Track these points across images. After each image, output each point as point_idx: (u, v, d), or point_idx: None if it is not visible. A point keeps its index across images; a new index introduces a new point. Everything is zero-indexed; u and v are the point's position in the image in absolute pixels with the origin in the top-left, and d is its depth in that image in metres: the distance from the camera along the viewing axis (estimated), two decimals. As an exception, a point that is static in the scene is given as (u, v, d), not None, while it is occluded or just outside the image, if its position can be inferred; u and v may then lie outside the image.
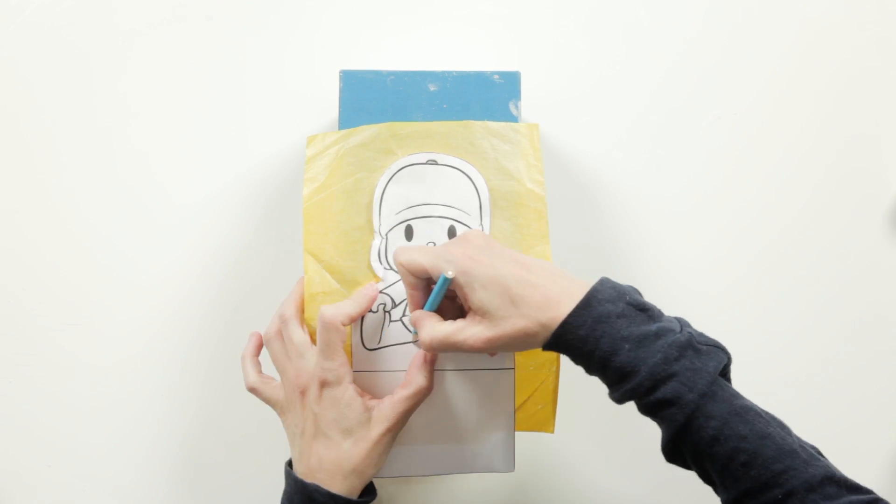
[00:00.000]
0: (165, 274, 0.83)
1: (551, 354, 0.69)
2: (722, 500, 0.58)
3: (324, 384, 0.65)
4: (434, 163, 0.71)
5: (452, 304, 0.66)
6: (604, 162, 0.84)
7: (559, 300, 0.58)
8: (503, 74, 0.73)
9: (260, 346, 0.72)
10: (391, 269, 0.70)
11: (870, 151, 0.85)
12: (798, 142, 0.85)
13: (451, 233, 0.71)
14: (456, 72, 0.73)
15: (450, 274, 0.61)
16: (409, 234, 0.71)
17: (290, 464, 0.69)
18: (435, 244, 0.70)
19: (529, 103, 0.80)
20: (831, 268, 0.85)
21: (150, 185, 0.83)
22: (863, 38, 0.85)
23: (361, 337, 0.69)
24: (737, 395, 0.57)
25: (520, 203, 0.71)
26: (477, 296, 0.60)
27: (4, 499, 0.83)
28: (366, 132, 0.71)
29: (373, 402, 0.67)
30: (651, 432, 0.61)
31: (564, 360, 0.68)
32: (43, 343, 0.83)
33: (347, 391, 0.65)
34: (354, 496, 0.65)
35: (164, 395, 0.83)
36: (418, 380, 0.66)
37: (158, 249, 0.83)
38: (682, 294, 0.84)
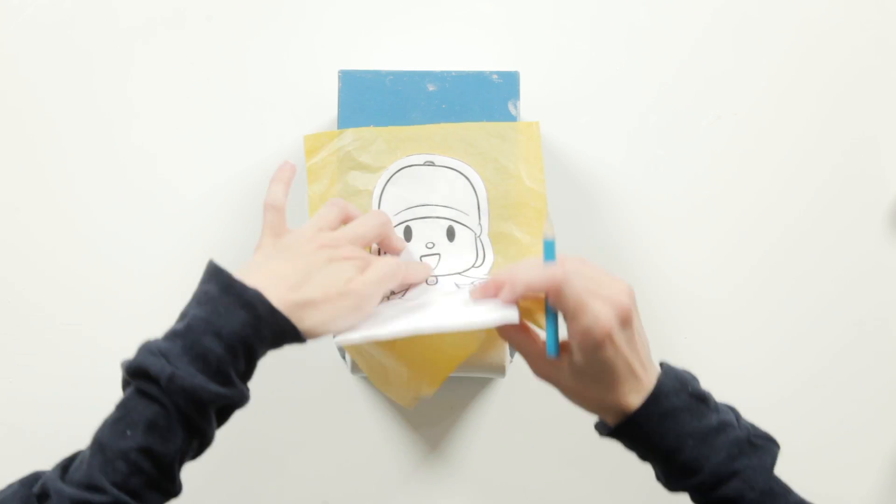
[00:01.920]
0: (166, 273, 0.83)
1: None
2: None
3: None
4: (431, 164, 0.71)
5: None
6: (603, 162, 0.84)
7: (627, 389, 0.57)
8: (502, 74, 0.73)
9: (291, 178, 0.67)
10: None
11: (870, 152, 0.85)
12: (798, 143, 0.85)
13: (450, 233, 0.71)
14: (455, 72, 0.73)
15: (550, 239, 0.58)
16: (408, 234, 0.71)
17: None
18: (434, 244, 0.70)
19: (529, 103, 0.80)
20: (832, 268, 0.85)
21: (150, 185, 0.83)
22: (863, 39, 0.85)
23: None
24: (789, 491, 0.58)
25: (520, 202, 0.71)
26: (579, 363, 0.56)
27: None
28: (364, 133, 0.71)
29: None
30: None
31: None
32: (43, 342, 0.83)
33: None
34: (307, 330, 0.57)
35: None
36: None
37: (159, 249, 0.83)
38: (681, 294, 0.84)
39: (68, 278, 0.83)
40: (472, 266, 0.70)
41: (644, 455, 0.59)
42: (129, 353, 0.86)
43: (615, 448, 0.83)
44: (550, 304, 0.56)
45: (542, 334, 0.60)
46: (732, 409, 0.60)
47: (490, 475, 0.84)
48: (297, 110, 0.83)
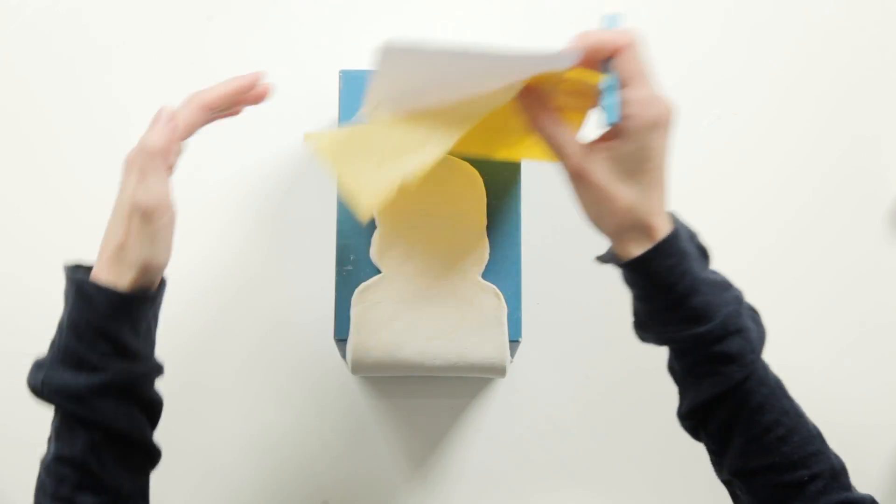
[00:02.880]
0: (165, 272, 0.83)
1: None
2: (726, 468, 0.55)
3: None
4: None
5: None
6: (603, 162, 0.84)
7: (658, 201, 0.53)
8: (503, 74, 0.73)
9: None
10: None
11: (870, 152, 0.85)
12: (798, 143, 0.85)
13: None
14: (455, 72, 0.73)
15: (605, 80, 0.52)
16: None
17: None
18: None
19: (529, 103, 0.80)
20: (831, 268, 0.85)
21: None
22: (864, 40, 0.85)
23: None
24: (768, 368, 0.55)
25: None
26: (625, 146, 0.52)
27: (4, 499, 0.83)
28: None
29: None
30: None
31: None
32: (43, 342, 0.83)
33: None
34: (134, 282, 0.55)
35: (164, 393, 0.83)
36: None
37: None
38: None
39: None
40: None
41: (650, 294, 0.54)
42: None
43: (614, 449, 0.84)
44: (615, 65, 0.52)
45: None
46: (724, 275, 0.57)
47: (490, 475, 0.84)
48: (298, 110, 0.83)
